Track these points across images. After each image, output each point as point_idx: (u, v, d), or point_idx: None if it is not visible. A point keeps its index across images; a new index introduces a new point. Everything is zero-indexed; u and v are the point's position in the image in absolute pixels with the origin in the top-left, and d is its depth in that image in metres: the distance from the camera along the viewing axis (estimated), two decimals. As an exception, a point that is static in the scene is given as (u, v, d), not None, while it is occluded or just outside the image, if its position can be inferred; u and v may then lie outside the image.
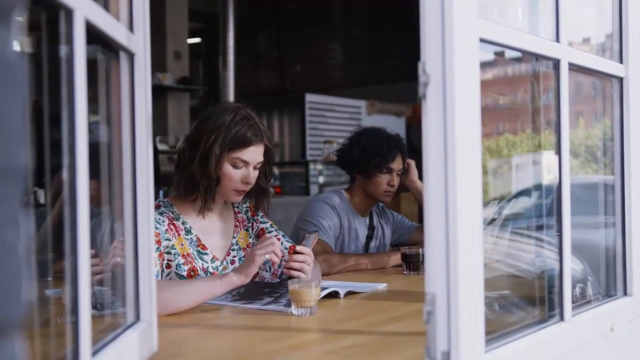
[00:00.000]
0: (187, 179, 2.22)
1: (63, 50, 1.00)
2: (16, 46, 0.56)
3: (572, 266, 1.58)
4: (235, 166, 2.21)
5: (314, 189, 7.28)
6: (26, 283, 0.56)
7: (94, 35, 1.10)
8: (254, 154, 2.23)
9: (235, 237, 2.37)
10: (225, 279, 2.00)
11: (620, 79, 1.83)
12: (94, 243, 1.05)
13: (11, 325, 0.54)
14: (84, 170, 1.00)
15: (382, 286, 2.37)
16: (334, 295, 2.13)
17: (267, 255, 2.02)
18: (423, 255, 2.67)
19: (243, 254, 2.36)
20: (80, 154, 1.00)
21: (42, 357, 1.16)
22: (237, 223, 2.40)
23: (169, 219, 2.21)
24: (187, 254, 2.20)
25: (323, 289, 2.04)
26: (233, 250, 2.35)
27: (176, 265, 2.17)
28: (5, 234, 0.53)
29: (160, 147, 7.09)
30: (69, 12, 0.98)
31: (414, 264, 2.66)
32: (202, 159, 2.18)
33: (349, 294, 2.20)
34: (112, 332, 1.26)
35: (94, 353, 1.07)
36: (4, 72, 0.52)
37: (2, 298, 0.54)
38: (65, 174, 1.00)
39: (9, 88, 0.52)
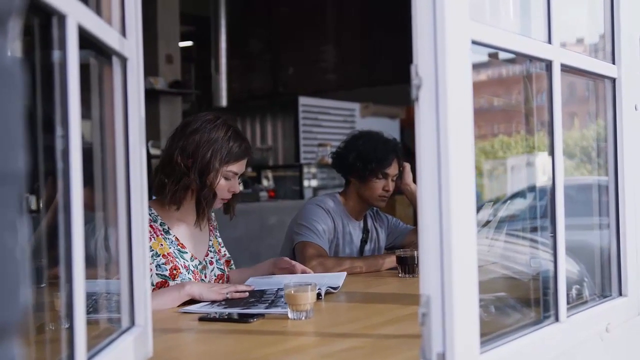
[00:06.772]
0: (182, 190, 2.28)
1: (56, 55, 1.00)
2: (13, 52, 0.56)
3: (568, 268, 1.58)
4: (226, 178, 2.32)
5: (308, 193, 7.26)
6: (24, 287, 0.56)
7: (86, 40, 1.10)
8: (243, 165, 2.37)
9: (211, 240, 2.48)
10: (183, 291, 2.09)
11: (613, 80, 1.83)
12: (87, 249, 1.05)
13: (10, 329, 0.55)
14: (77, 175, 1.00)
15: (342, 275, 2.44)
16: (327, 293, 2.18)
17: (228, 295, 2.13)
18: (418, 257, 2.68)
19: (218, 257, 2.47)
20: (74, 159, 0.99)
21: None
22: (212, 228, 2.51)
23: None
24: (168, 253, 2.27)
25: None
26: (210, 251, 2.45)
27: (156, 266, 2.23)
28: (4, 238, 0.53)
29: (153, 151, 7.03)
30: (62, 18, 0.98)
31: (409, 266, 2.66)
32: (201, 173, 2.26)
33: (329, 293, 2.24)
34: (107, 337, 1.25)
35: (89, 358, 1.07)
36: (1, 78, 0.52)
37: (1, 302, 0.54)
38: (59, 180, 1.00)
39: (7, 93, 0.52)
